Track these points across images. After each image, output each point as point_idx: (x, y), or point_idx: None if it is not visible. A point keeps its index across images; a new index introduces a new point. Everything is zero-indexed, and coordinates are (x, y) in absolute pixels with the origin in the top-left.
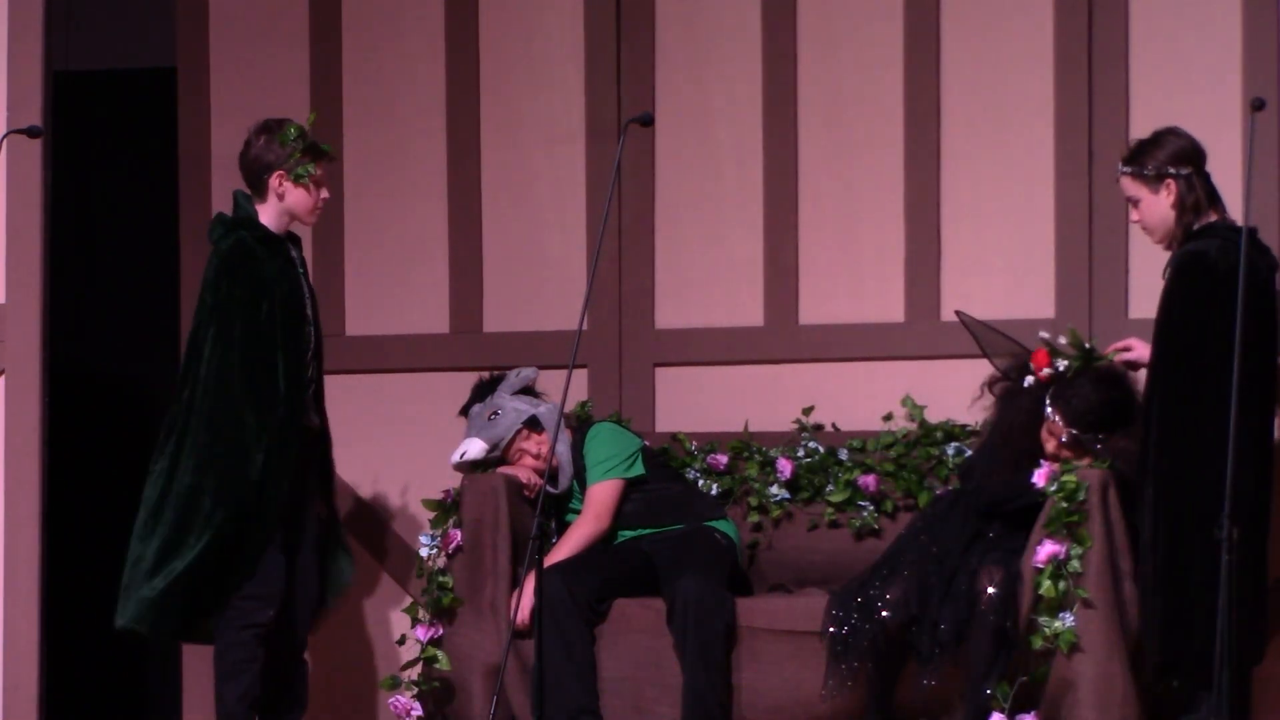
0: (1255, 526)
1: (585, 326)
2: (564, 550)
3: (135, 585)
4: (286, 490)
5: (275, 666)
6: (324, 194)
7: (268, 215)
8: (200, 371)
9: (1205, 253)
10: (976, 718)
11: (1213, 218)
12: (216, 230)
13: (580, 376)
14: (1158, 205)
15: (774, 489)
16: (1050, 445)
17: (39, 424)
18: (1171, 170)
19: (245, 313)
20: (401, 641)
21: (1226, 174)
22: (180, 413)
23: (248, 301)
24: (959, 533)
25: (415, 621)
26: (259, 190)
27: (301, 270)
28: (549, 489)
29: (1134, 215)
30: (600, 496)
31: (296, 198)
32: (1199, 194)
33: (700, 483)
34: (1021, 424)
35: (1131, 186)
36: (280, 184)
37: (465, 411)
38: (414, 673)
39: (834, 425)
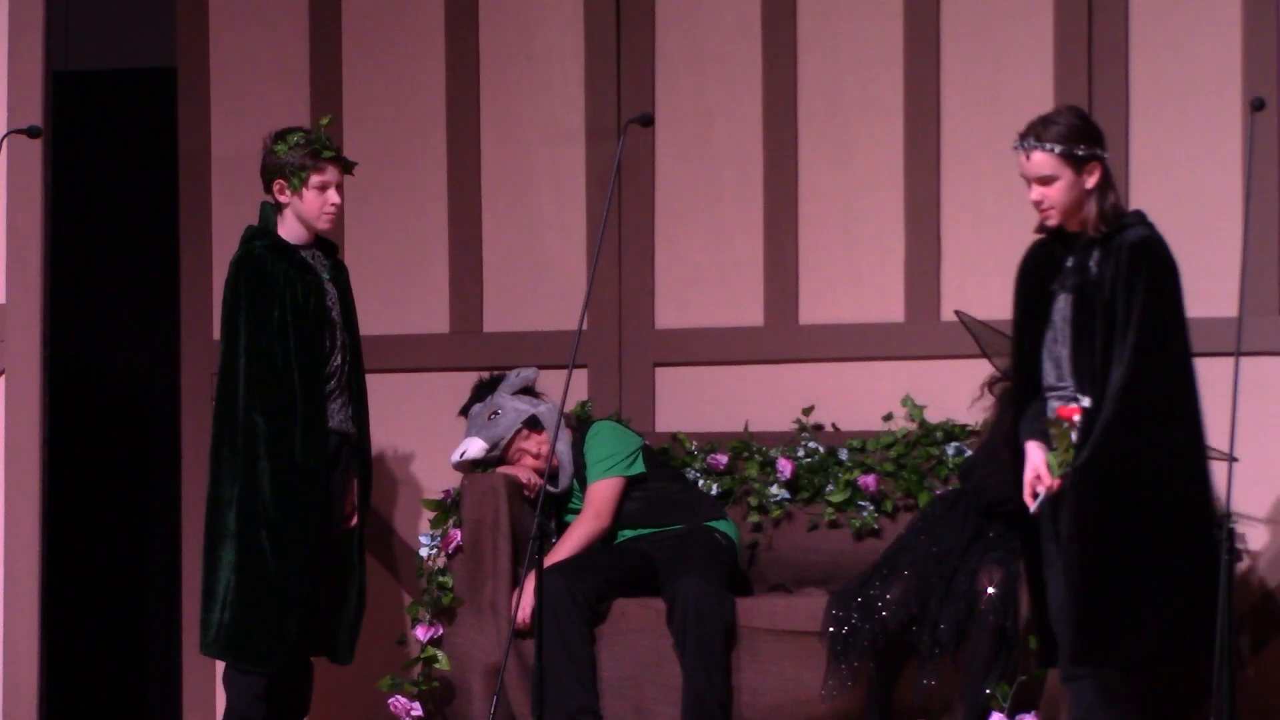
0: (1206, 517)
1: (585, 326)
2: (564, 549)
3: (205, 611)
4: (314, 495)
5: (283, 669)
6: (330, 197)
7: (286, 222)
8: (217, 384)
9: (1158, 239)
10: (976, 718)
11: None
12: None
13: (580, 376)
14: (1077, 186)
15: (774, 489)
16: None
17: (39, 424)
18: (1100, 152)
19: (251, 321)
20: (401, 641)
21: (1227, 174)
22: (212, 429)
23: (254, 310)
24: (959, 533)
25: (415, 621)
26: (275, 199)
27: (328, 276)
28: (549, 489)
29: (1037, 193)
30: (601, 494)
31: (298, 204)
32: (1112, 173)
33: (700, 483)
34: None
35: (1050, 164)
36: (282, 191)
37: (465, 411)
38: (414, 673)
39: (834, 425)
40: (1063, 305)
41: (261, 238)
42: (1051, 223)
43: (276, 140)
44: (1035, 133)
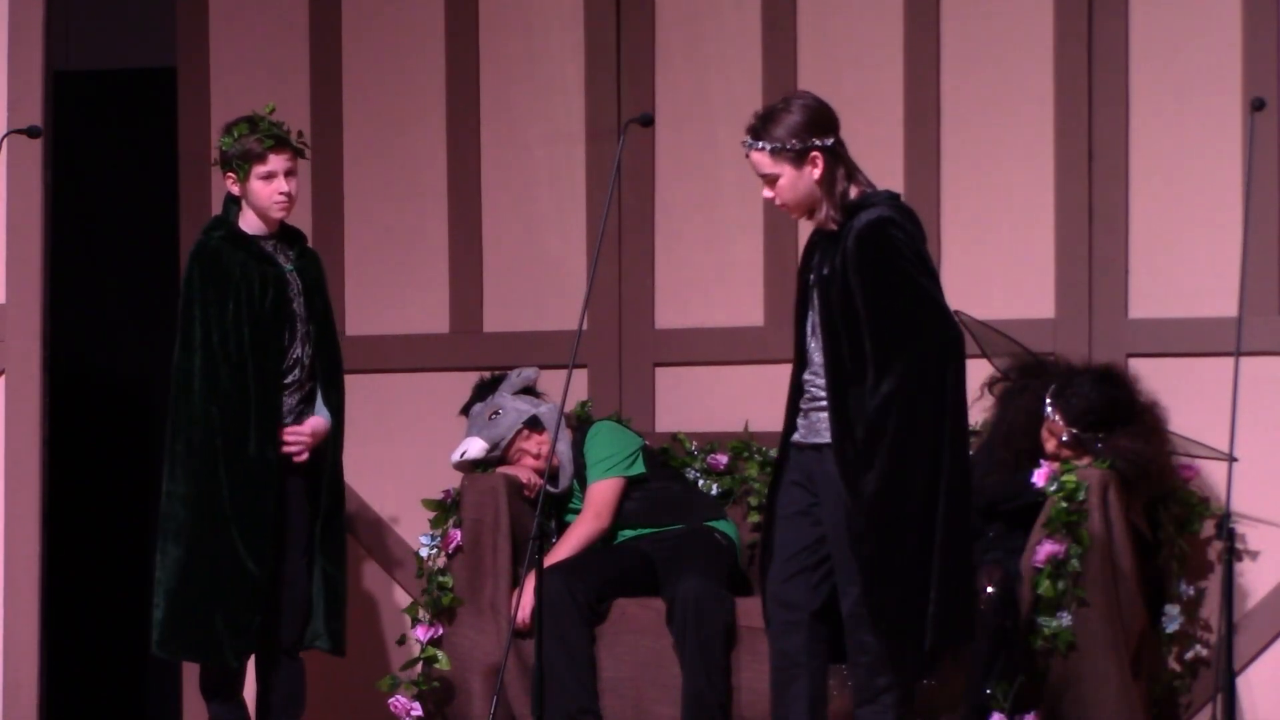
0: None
1: (585, 326)
2: (564, 549)
3: (153, 607)
4: (271, 492)
5: (269, 668)
6: (279, 186)
7: (246, 213)
8: (171, 378)
9: (887, 218)
10: (976, 718)
11: (856, 188)
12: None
13: (580, 376)
14: (803, 180)
15: None
16: (1050, 445)
17: (39, 424)
18: (816, 142)
19: (206, 314)
20: (401, 641)
21: (1226, 174)
22: (167, 422)
23: (209, 303)
24: None
25: (415, 621)
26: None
27: (292, 267)
28: (549, 489)
29: (768, 193)
30: (601, 495)
31: (248, 195)
32: (846, 161)
33: (700, 483)
34: (1021, 424)
35: (767, 163)
36: (234, 184)
37: (466, 411)
38: (414, 673)
39: None
40: (813, 296)
41: (219, 228)
42: (795, 218)
43: (224, 133)
44: (753, 131)
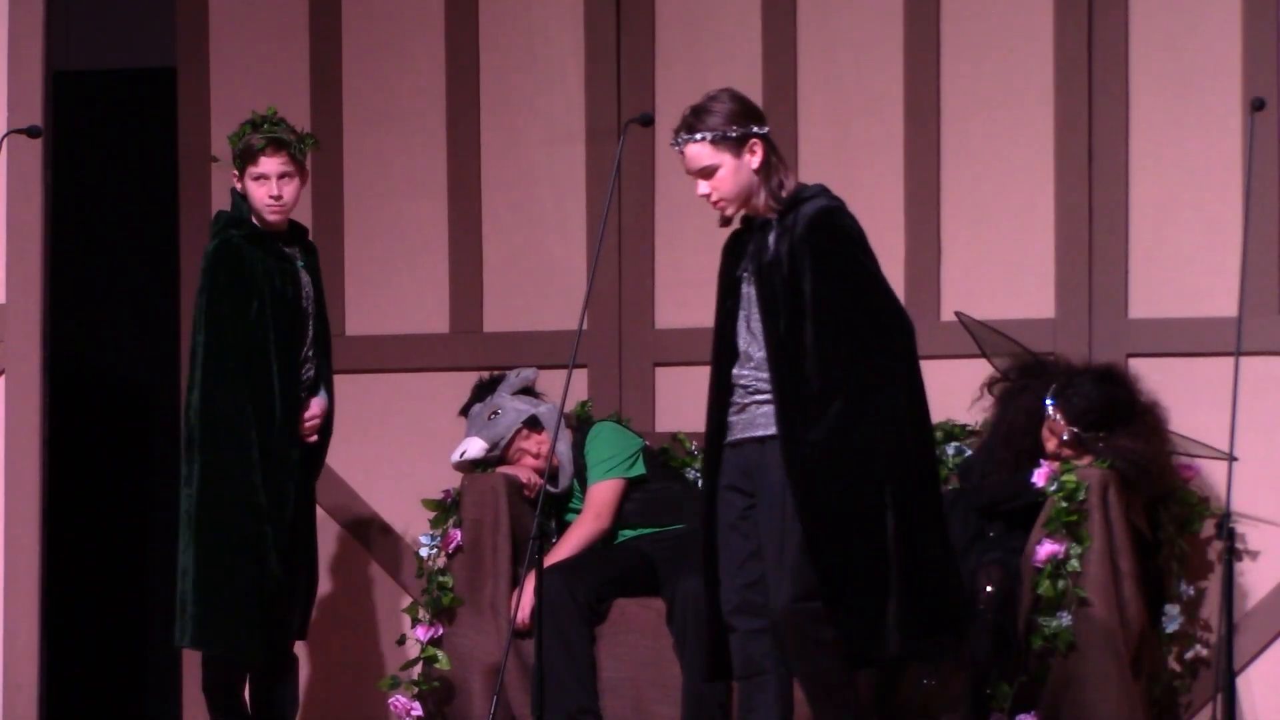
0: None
1: (585, 326)
2: (564, 550)
3: (184, 602)
4: (291, 490)
5: (270, 666)
6: (269, 189)
7: (255, 212)
8: (198, 376)
9: (838, 208)
10: (976, 718)
11: (790, 179)
12: (212, 229)
13: (580, 376)
14: (742, 170)
15: None
16: (1051, 444)
17: (39, 424)
18: (755, 129)
19: (235, 313)
20: (401, 641)
21: (1226, 174)
22: (191, 419)
23: (236, 302)
24: (959, 532)
25: (415, 621)
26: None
27: (302, 263)
28: (549, 489)
29: (704, 188)
30: (601, 496)
31: (249, 195)
32: (779, 151)
33: (700, 483)
34: (1021, 424)
35: (707, 154)
36: (236, 181)
37: (465, 411)
38: (414, 673)
39: None
40: (747, 289)
41: (237, 226)
42: (729, 212)
43: (235, 129)
44: (687, 125)
